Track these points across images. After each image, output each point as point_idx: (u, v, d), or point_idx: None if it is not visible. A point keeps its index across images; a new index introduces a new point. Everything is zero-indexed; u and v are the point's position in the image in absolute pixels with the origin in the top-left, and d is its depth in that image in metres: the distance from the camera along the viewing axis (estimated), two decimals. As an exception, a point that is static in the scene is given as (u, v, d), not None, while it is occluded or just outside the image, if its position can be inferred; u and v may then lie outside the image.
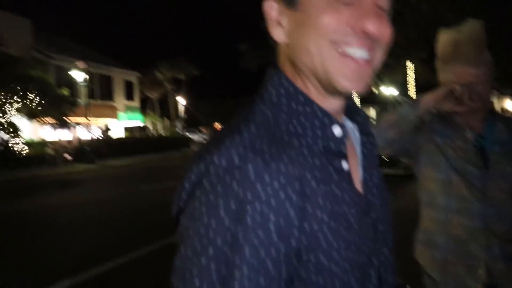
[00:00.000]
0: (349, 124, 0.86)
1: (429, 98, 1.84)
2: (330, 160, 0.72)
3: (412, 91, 20.89)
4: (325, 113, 0.73)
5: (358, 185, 0.79)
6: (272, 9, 0.76)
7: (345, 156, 0.74)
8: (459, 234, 1.86)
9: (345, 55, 0.70)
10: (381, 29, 0.70)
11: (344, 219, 0.70)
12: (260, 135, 0.66)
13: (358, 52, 0.71)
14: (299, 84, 0.76)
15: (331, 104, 0.76)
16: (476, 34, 1.82)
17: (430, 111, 1.86)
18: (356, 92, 0.73)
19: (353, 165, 0.79)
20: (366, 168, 0.84)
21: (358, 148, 0.85)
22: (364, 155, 0.85)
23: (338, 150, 0.73)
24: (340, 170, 0.73)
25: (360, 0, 0.70)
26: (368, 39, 0.70)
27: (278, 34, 0.76)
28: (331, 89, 0.74)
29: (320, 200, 0.67)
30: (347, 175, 0.74)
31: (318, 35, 0.70)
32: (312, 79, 0.74)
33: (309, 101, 0.74)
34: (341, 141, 0.74)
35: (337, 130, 0.73)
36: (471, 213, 1.83)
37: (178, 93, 47.72)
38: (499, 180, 1.82)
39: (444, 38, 1.90)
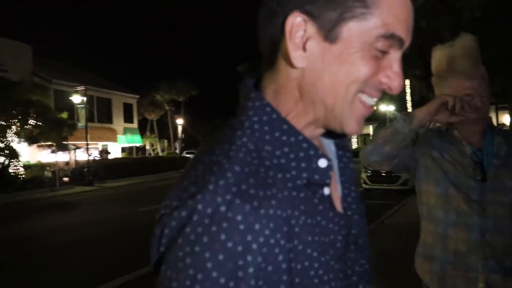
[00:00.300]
0: (325, 139, 0.84)
1: (423, 111, 1.85)
2: (314, 191, 0.70)
3: (409, 107, 20.99)
4: (310, 144, 0.69)
5: (338, 203, 0.78)
6: (298, 28, 0.67)
7: (328, 185, 0.71)
8: (457, 247, 1.87)
9: (362, 102, 0.70)
10: (401, 87, 0.71)
11: (333, 249, 0.70)
12: (246, 176, 0.62)
13: (372, 101, 0.72)
14: (296, 109, 0.72)
15: (318, 132, 0.76)
16: (470, 47, 1.85)
17: (424, 125, 1.88)
18: (355, 134, 0.73)
19: (332, 183, 0.76)
20: (344, 183, 0.82)
21: (335, 163, 0.83)
22: (341, 169, 0.84)
23: (322, 183, 0.70)
24: (322, 197, 0.71)
25: (391, 52, 0.69)
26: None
27: (298, 57, 0.67)
28: (335, 128, 0.72)
29: (309, 236, 0.66)
30: (329, 199, 0.73)
31: (351, 79, 0.67)
32: (319, 112, 0.71)
33: (293, 131, 0.69)
34: (326, 173, 0.70)
35: (322, 162, 0.69)
36: (469, 226, 1.84)
37: (177, 114, 47.87)
38: (497, 194, 1.84)
39: (439, 53, 1.93)
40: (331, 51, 0.67)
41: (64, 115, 21.54)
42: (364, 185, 14.02)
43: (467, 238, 1.84)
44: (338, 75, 0.67)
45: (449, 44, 1.88)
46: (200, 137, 50.88)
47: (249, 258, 0.58)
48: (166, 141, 48.70)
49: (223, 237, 0.57)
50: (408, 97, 21.00)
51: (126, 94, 36.35)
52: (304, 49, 0.67)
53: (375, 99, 0.72)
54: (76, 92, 24.69)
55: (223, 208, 0.58)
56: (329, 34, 0.66)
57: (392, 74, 0.69)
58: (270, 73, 0.74)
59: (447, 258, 1.89)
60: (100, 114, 32.41)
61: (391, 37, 0.67)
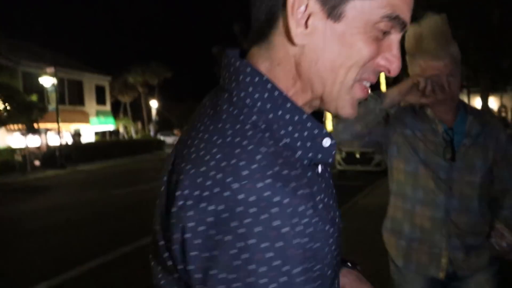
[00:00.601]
0: None
1: (394, 92, 1.86)
2: (314, 170, 0.69)
3: (383, 88, 21.22)
4: (314, 122, 0.67)
5: None
6: (300, 3, 0.64)
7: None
8: (423, 224, 1.92)
9: (360, 86, 0.70)
10: (399, 69, 0.70)
11: (336, 225, 0.70)
12: (273, 157, 0.59)
13: (368, 84, 0.71)
14: (295, 88, 0.69)
15: (309, 112, 0.74)
16: (437, 27, 1.84)
17: (395, 105, 1.89)
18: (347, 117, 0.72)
19: None
20: None
21: None
22: None
23: (326, 161, 0.69)
24: (319, 175, 0.71)
25: (391, 33, 0.67)
26: None
27: (299, 34, 0.64)
28: (328, 110, 0.71)
29: (325, 212, 0.65)
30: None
31: (352, 62, 0.65)
32: (317, 92, 0.69)
33: (297, 109, 0.66)
34: (330, 152, 0.68)
35: (326, 141, 0.67)
36: (435, 204, 1.89)
37: (151, 96, 47.34)
38: (465, 173, 1.88)
39: (408, 33, 1.92)
40: (333, 29, 0.64)
41: (34, 97, 21.03)
42: (338, 166, 14.17)
43: (433, 216, 1.90)
44: (339, 55, 0.65)
45: (418, 23, 1.88)
46: (175, 119, 50.53)
47: (304, 239, 0.56)
48: (140, 123, 48.17)
49: (276, 223, 0.54)
50: (382, 78, 21.21)
51: (98, 75, 35.68)
52: (306, 25, 0.64)
53: (370, 82, 0.71)
54: (46, 73, 24.03)
55: (267, 193, 0.55)
56: (333, 11, 0.63)
57: (391, 57, 0.68)
58: (263, 48, 0.70)
59: (414, 234, 1.94)
60: (72, 96, 31.75)
61: (395, 19, 0.65)
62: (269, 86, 0.66)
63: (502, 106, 39.26)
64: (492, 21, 15.52)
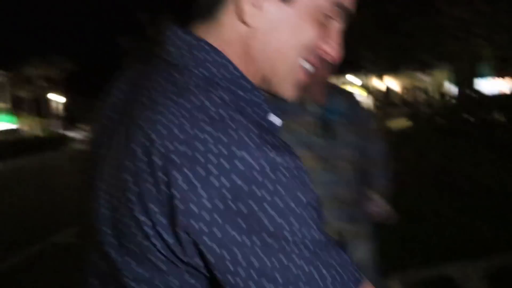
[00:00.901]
0: None
1: None
2: None
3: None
4: (266, 101, 0.70)
5: None
6: None
7: None
8: None
9: (303, 69, 0.72)
10: (341, 57, 0.74)
11: None
12: (259, 126, 0.61)
13: (311, 68, 0.73)
14: (245, 68, 0.69)
15: None
16: None
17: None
18: (288, 99, 0.75)
19: None
20: None
21: None
22: None
23: None
24: None
25: (336, 21, 0.71)
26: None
27: (252, 15, 0.66)
28: (272, 90, 0.73)
29: None
30: None
31: (300, 43, 0.69)
32: (263, 73, 0.71)
33: (253, 88, 0.69)
34: (277, 130, 0.71)
35: (275, 119, 0.71)
36: (319, 183, 1.88)
37: (55, 91, 45.12)
38: (342, 149, 2.01)
39: None
40: (285, 12, 0.67)
41: None
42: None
43: (318, 194, 1.80)
44: (287, 37, 0.68)
45: None
46: (82, 113, 48.64)
47: (311, 185, 0.62)
48: (43, 120, 45.70)
49: (291, 177, 0.58)
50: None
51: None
52: (259, 7, 0.66)
53: (313, 67, 0.73)
54: None
55: (272, 155, 0.58)
56: None
57: (335, 44, 0.72)
58: (210, 26, 0.70)
59: None
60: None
61: (341, 7, 0.69)
62: (225, 62, 0.67)
63: (404, 88, 41.77)
64: (391, 8, 16.22)
